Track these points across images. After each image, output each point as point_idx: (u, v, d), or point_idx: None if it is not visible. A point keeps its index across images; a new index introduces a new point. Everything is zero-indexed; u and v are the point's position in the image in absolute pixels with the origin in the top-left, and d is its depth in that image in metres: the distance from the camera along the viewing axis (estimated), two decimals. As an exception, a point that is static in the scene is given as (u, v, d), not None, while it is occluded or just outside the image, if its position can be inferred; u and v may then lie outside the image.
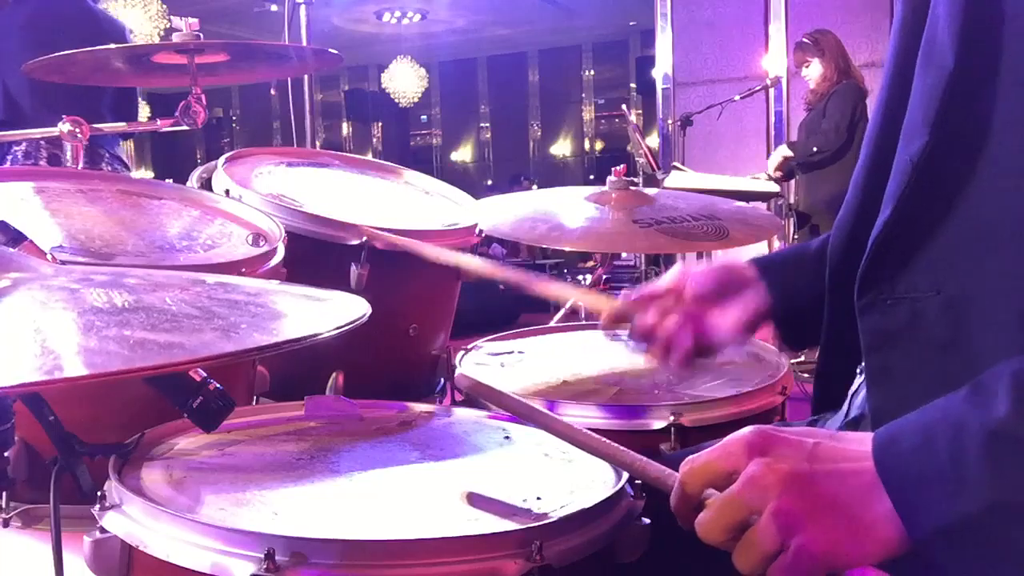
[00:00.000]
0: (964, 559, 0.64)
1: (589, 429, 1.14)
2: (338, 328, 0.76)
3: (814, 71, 4.84)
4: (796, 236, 4.91)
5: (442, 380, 1.74)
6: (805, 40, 4.88)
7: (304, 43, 3.00)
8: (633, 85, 12.00)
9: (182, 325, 0.73)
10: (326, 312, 0.87)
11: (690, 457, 0.74)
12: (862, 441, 0.69)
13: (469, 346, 1.66)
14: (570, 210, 1.79)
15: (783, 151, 4.97)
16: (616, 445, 0.83)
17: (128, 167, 3.40)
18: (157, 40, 6.67)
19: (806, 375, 3.40)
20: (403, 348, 1.67)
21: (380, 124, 14.26)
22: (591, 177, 12.11)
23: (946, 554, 0.64)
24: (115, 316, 0.72)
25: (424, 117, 14.07)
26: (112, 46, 1.96)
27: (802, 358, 3.77)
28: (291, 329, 0.79)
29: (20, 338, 0.67)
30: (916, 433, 0.66)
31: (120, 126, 2.36)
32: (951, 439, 0.64)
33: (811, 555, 0.65)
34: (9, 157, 2.95)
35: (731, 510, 0.69)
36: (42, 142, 2.83)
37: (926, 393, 0.69)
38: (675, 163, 4.92)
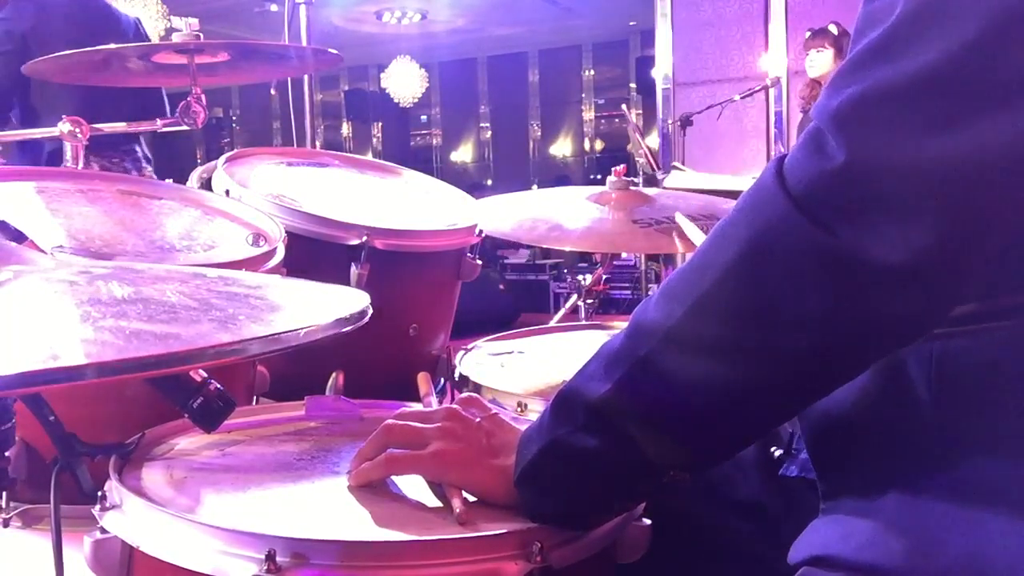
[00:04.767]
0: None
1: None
2: (339, 322, 0.76)
3: (823, 61, 4.77)
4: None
5: (442, 380, 1.74)
6: (833, 28, 4.78)
7: (304, 43, 3.00)
8: (633, 85, 11.97)
9: (179, 316, 0.73)
10: (327, 308, 0.86)
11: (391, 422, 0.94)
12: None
13: (469, 346, 1.66)
14: (570, 210, 1.79)
15: None
16: None
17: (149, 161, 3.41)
18: (157, 40, 6.67)
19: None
20: (403, 348, 1.66)
21: (380, 124, 14.25)
22: (591, 177, 12.10)
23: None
24: (113, 307, 0.71)
25: (424, 117, 14.05)
26: (112, 46, 1.96)
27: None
28: (290, 324, 0.79)
29: (15, 329, 0.67)
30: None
31: (120, 126, 2.35)
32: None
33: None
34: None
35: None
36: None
37: None
38: (675, 163, 4.92)
